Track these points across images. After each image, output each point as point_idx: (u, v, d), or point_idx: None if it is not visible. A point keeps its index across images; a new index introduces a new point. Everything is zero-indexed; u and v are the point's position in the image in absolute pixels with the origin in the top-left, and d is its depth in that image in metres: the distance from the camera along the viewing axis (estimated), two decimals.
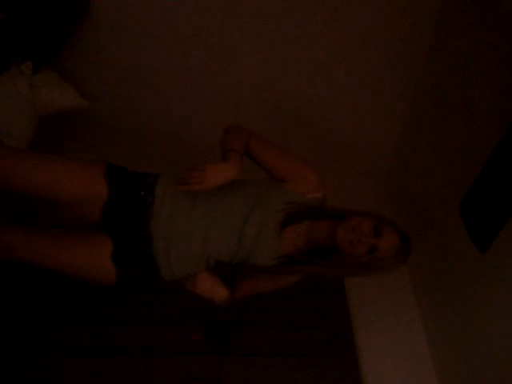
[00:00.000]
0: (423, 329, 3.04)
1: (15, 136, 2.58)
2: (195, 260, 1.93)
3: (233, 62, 3.13)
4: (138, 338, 2.78)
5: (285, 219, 1.87)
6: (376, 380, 2.84)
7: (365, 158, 3.79)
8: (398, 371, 2.89)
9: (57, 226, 2.02)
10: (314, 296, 3.07)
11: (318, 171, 1.95)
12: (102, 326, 2.79)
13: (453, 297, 2.68)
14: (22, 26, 2.51)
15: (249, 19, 2.91)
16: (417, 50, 3.05)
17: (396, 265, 1.84)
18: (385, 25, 2.92)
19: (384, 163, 3.83)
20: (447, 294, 2.75)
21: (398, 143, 3.63)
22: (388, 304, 3.13)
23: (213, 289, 2.00)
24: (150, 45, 3.04)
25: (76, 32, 2.90)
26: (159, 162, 2.48)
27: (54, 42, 2.76)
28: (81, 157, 1.93)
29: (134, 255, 1.92)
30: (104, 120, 3.47)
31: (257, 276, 2.01)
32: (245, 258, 1.93)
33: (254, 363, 2.77)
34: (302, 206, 1.89)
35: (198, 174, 1.70)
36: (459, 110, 2.66)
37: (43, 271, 2.80)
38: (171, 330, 2.83)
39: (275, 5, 2.84)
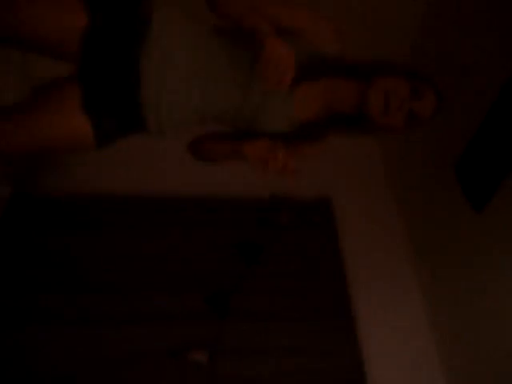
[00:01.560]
0: (421, 293, 3.05)
1: None
2: (189, 113, 1.65)
3: None
4: (137, 304, 2.79)
5: (296, 73, 1.48)
6: (374, 344, 2.85)
7: None
8: (395, 336, 2.90)
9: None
10: (310, 262, 3.08)
11: None
12: (99, 293, 2.81)
13: (450, 258, 2.68)
14: None
15: None
16: None
17: (426, 123, 1.65)
18: None
19: None
20: (445, 256, 2.76)
21: None
22: (385, 268, 3.14)
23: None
24: None
25: None
26: None
27: None
28: None
29: (116, 101, 1.61)
30: None
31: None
32: (251, 123, 1.66)
33: (252, 329, 2.78)
34: (315, 57, 1.59)
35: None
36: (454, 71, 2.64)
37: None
38: (170, 296, 2.84)
39: None
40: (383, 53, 1.82)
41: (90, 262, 2.94)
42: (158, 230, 3.13)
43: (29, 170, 3.22)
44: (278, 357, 2.72)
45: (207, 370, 2.61)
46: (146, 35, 1.53)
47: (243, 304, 2.85)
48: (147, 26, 1.53)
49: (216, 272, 2.96)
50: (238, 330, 2.76)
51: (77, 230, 3.09)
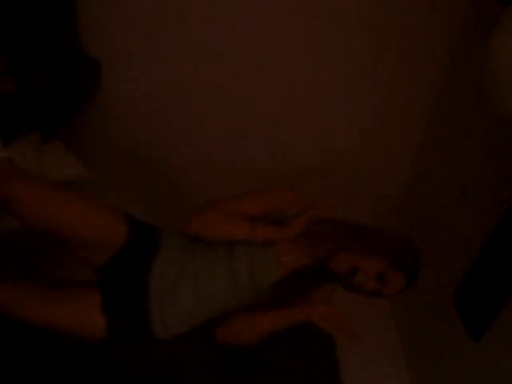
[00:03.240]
0: None
1: None
2: (193, 319, 1.90)
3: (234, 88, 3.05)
4: None
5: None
6: None
7: None
8: None
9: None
10: (308, 378, 3.03)
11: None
12: None
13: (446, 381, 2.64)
14: (33, 99, 2.58)
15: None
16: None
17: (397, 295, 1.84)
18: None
19: None
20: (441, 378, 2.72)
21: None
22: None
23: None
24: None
25: (86, 108, 3.01)
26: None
27: (65, 116, 2.85)
28: None
29: (128, 307, 1.85)
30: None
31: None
32: (252, 297, 1.87)
33: None
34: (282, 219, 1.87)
35: None
36: (455, 193, 2.70)
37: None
38: None
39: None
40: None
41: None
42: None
43: None
44: None
45: None
46: (153, 263, 1.84)
47: None
48: (155, 255, 1.85)
49: (211, 381, 2.90)
50: None
51: None
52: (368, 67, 2.86)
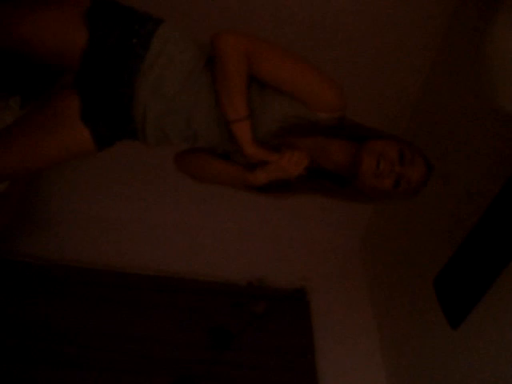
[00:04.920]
0: None
1: None
2: (172, 135, 1.72)
3: None
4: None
5: (278, 131, 1.63)
6: None
7: None
8: None
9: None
10: (282, 354, 3.03)
11: None
12: (64, 369, 2.74)
13: (422, 366, 2.68)
14: (13, 62, 2.51)
15: None
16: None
17: (413, 195, 1.67)
18: None
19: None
20: (417, 365, 2.76)
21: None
22: (357, 368, 3.10)
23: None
24: None
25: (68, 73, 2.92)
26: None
27: (45, 80, 2.77)
28: None
29: (110, 114, 1.70)
30: None
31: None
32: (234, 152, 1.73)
33: None
34: (306, 121, 1.63)
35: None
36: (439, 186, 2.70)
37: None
38: (137, 377, 2.78)
39: None
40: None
41: (57, 334, 2.88)
42: (130, 307, 3.07)
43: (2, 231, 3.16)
44: None
45: None
46: (144, 57, 1.60)
47: None
48: (147, 47, 1.60)
49: (185, 356, 2.89)
50: None
51: (41, 298, 3.05)
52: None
